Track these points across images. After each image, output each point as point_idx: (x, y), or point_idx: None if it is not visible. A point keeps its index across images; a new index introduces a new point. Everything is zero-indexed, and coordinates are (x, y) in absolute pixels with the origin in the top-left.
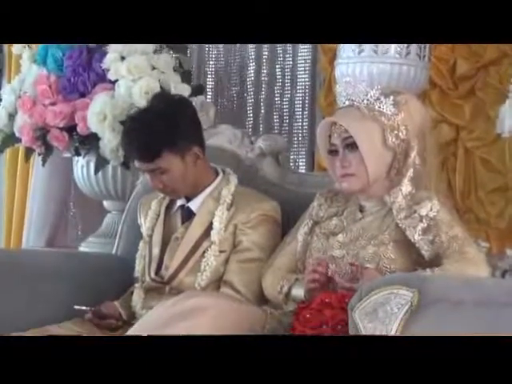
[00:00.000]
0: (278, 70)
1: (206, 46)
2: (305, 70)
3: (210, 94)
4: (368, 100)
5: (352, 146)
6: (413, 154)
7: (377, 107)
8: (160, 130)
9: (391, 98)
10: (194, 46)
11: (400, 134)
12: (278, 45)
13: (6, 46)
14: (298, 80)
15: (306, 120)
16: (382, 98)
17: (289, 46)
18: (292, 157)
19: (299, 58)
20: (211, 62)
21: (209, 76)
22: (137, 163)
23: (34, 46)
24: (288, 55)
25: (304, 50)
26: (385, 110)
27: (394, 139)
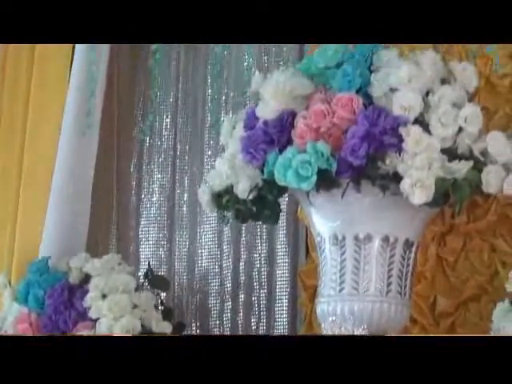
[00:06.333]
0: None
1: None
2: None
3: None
4: None
5: None
6: None
7: None
8: None
9: None
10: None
11: None
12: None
13: None
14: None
15: None
16: None
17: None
18: None
19: (278, 289)
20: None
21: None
22: None
23: (14, 284)
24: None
25: (283, 282)
26: None
27: None
